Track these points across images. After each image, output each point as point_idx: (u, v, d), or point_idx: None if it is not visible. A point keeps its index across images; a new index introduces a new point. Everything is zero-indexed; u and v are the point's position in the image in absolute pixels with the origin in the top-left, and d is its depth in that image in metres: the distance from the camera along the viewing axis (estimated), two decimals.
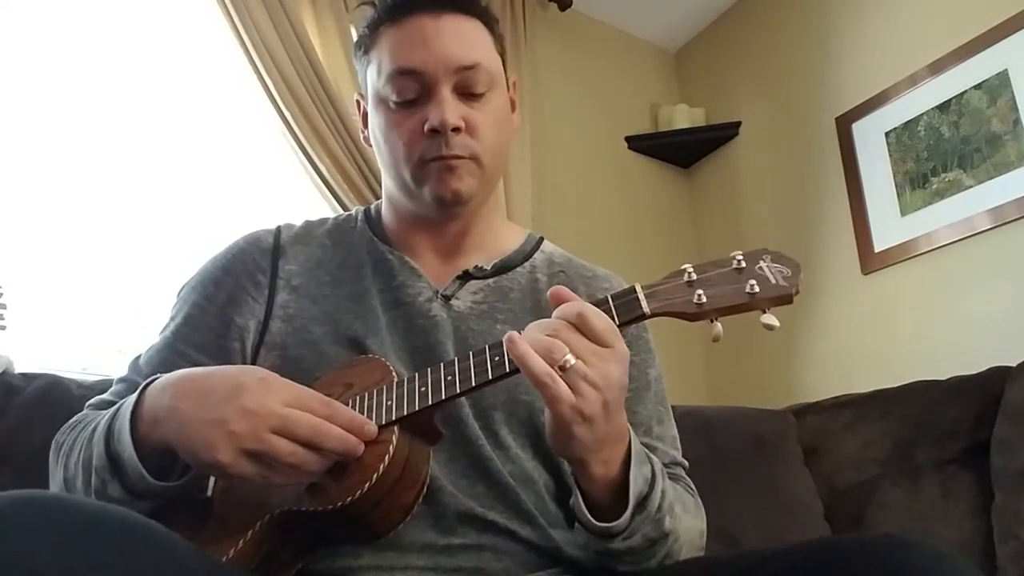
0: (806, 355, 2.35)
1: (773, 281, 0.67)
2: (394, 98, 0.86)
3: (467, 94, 0.86)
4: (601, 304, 0.70)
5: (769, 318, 0.67)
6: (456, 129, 0.84)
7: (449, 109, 0.84)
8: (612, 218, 2.64)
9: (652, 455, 0.76)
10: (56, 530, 0.51)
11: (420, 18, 0.86)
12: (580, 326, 0.66)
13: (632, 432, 0.73)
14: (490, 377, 0.70)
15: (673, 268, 0.72)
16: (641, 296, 0.69)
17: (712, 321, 0.68)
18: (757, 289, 0.67)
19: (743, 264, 0.69)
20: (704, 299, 0.68)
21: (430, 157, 0.85)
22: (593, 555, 0.76)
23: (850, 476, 1.71)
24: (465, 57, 0.85)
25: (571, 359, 0.63)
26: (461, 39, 0.86)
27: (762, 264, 0.69)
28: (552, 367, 0.63)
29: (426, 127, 0.84)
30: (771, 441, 1.81)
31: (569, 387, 0.63)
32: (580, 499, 0.72)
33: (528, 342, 0.64)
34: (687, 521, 0.79)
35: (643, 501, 0.71)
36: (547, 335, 0.65)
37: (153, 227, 1.87)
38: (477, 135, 0.86)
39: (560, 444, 0.67)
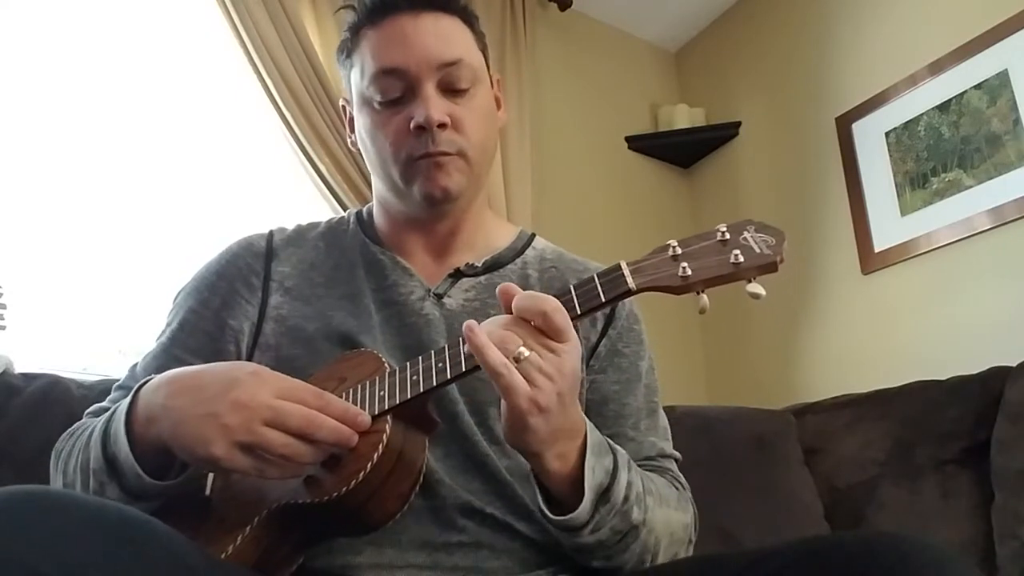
0: (806, 355, 2.35)
1: (757, 250, 0.68)
2: (378, 98, 0.87)
3: (451, 90, 0.87)
4: (588, 283, 0.70)
5: (755, 287, 0.67)
6: (442, 125, 0.84)
7: (434, 106, 0.84)
8: (612, 218, 2.64)
9: (617, 447, 0.76)
10: (55, 526, 0.52)
11: (400, 18, 0.87)
12: (534, 319, 0.66)
13: (590, 424, 0.73)
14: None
15: None
16: (626, 272, 0.69)
17: (698, 293, 0.68)
18: (742, 259, 0.67)
19: (727, 236, 0.69)
20: (689, 272, 0.68)
21: (418, 155, 0.85)
22: (567, 551, 0.76)
23: (850, 476, 1.71)
24: (446, 53, 0.86)
25: (524, 351, 0.64)
26: (442, 36, 0.87)
27: (746, 234, 0.69)
28: (507, 358, 0.64)
29: (412, 124, 0.84)
30: (771, 441, 1.81)
31: (524, 378, 0.64)
32: (539, 495, 0.72)
33: (485, 334, 0.65)
34: (664, 513, 0.78)
35: (605, 492, 0.71)
36: (502, 328, 0.66)
37: (153, 227, 1.87)
38: (463, 131, 0.87)
39: (515, 436, 0.67)
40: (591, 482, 0.69)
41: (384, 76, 0.86)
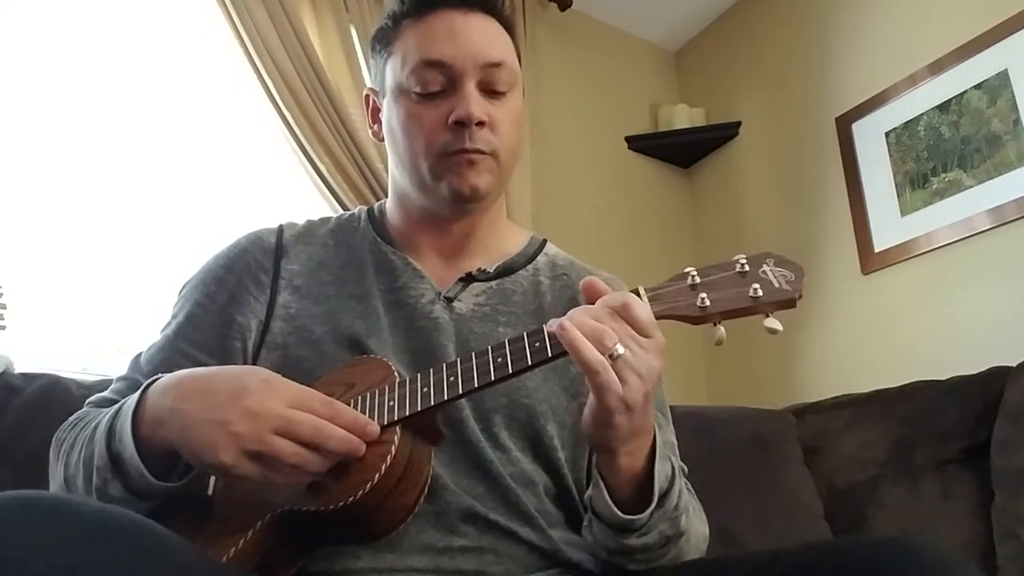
0: (806, 355, 2.35)
1: (776, 285, 0.67)
2: (417, 89, 0.86)
3: (490, 91, 0.87)
4: None
5: (772, 322, 0.67)
6: (480, 123, 0.84)
7: (475, 103, 0.84)
8: (612, 218, 2.64)
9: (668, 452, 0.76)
10: (55, 532, 0.51)
11: (449, 13, 0.87)
12: (623, 315, 0.66)
13: (656, 427, 0.72)
14: (492, 378, 0.69)
15: (673, 268, 0.72)
16: (645, 299, 0.69)
17: (715, 324, 0.68)
18: (761, 293, 0.67)
19: (747, 268, 0.69)
20: (708, 303, 0.67)
21: (452, 150, 0.85)
22: (604, 553, 0.76)
23: (850, 476, 1.70)
24: (492, 54, 0.86)
25: (620, 348, 0.63)
26: (489, 37, 0.88)
27: (765, 268, 0.69)
28: (603, 355, 0.63)
29: (451, 119, 0.84)
30: (771, 441, 1.81)
31: (617, 376, 0.63)
32: (605, 491, 0.71)
33: (577, 328, 0.64)
34: (696, 523, 0.79)
35: (663, 497, 0.71)
36: (594, 320, 0.65)
37: (154, 227, 1.87)
38: (498, 132, 0.87)
39: (598, 432, 0.67)
40: (658, 484, 0.69)
41: (427, 68, 0.86)
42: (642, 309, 0.66)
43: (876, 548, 0.55)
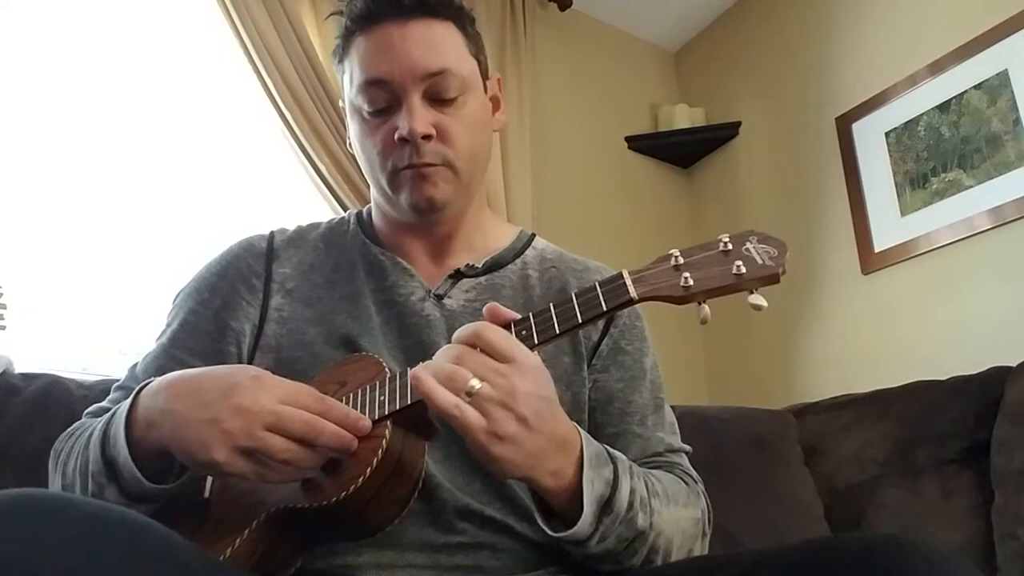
0: (806, 355, 2.35)
1: (760, 261, 0.67)
2: (366, 108, 0.87)
3: (438, 100, 0.86)
4: (589, 291, 0.70)
5: (757, 298, 0.67)
6: (427, 136, 0.84)
7: (417, 117, 0.84)
8: (612, 218, 2.64)
9: (618, 454, 0.75)
10: (55, 529, 0.51)
11: (387, 26, 0.86)
12: (479, 346, 0.65)
13: (586, 436, 0.71)
14: None
15: None
16: (628, 281, 0.69)
17: (700, 304, 0.68)
18: (744, 270, 0.67)
19: (730, 246, 0.69)
20: (691, 282, 0.67)
21: (402, 166, 0.86)
22: (578, 559, 0.76)
23: (850, 476, 1.71)
24: (432, 63, 0.85)
25: (475, 383, 0.63)
26: (427, 45, 0.86)
27: (748, 245, 0.69)
28: (458, 395, 0.63)
29: (396, 136, 0.84)
30: (771, 441, 1.81)
31: (478, 412, 0.63)
32: (538, 513, 0.71)
33: (431, 373, 0.64)
34: (672, 513, 0.77)
35: (607, 503, 0.69)
36: (449, 363, 0.65)
37: (153, 227, 1.87)
38: (449, 141, 0.86)
39: (490, 467, 0.66)
40: (590, 496, 0.68)
41: (370, 86, 0.86)
42: (494, 334, 0.66)
43: (871, 545, 0.55)
